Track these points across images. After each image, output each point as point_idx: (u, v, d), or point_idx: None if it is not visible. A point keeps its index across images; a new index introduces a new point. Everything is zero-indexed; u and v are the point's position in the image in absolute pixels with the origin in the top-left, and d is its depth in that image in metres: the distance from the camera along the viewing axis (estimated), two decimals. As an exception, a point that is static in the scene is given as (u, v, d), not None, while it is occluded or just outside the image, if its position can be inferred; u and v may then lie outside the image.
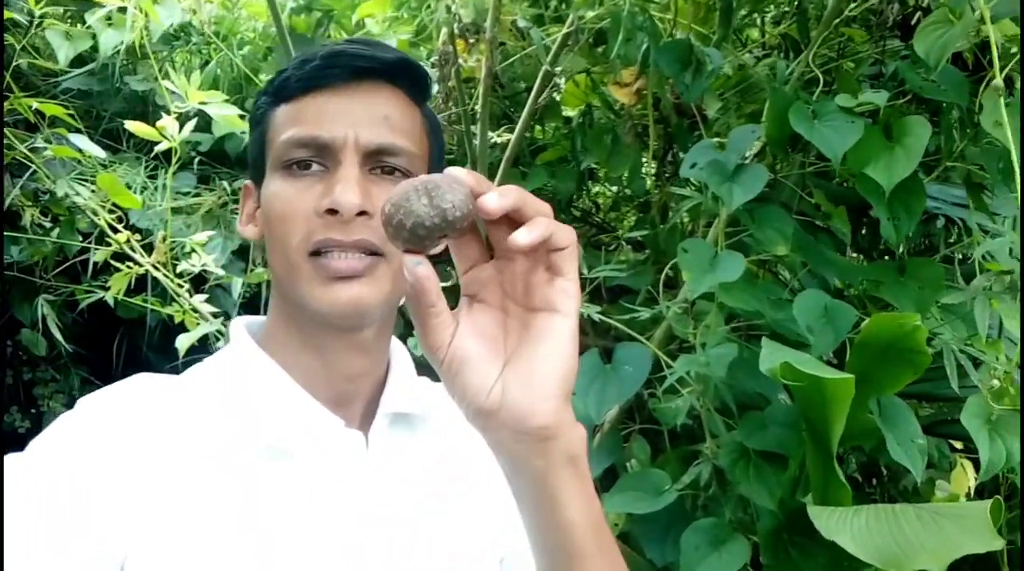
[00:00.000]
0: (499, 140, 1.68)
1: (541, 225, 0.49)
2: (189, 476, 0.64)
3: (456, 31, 1.49)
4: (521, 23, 1.55)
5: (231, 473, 0.65)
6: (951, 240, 1.86)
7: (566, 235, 0.51)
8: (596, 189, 2.52)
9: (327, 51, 0.69)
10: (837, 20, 1.44)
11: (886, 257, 1.83)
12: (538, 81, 1.52)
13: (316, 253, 0.66)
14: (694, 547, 1.25)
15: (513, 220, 0.50)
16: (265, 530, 0.64)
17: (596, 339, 2.05)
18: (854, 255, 1.95)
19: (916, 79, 1.31)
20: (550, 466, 0.52)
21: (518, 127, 1.58)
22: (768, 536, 1.28)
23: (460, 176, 0.49)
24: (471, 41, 1.52)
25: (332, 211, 0.65)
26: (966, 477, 1.63)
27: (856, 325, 1.30)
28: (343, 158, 0.67)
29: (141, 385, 0.68)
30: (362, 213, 0.65)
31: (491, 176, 1.64)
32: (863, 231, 1.98)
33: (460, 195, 0.48)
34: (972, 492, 1.65)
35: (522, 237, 0.49)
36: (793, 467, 1.30)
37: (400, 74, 0.71)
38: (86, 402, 0.66)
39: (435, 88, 1.57)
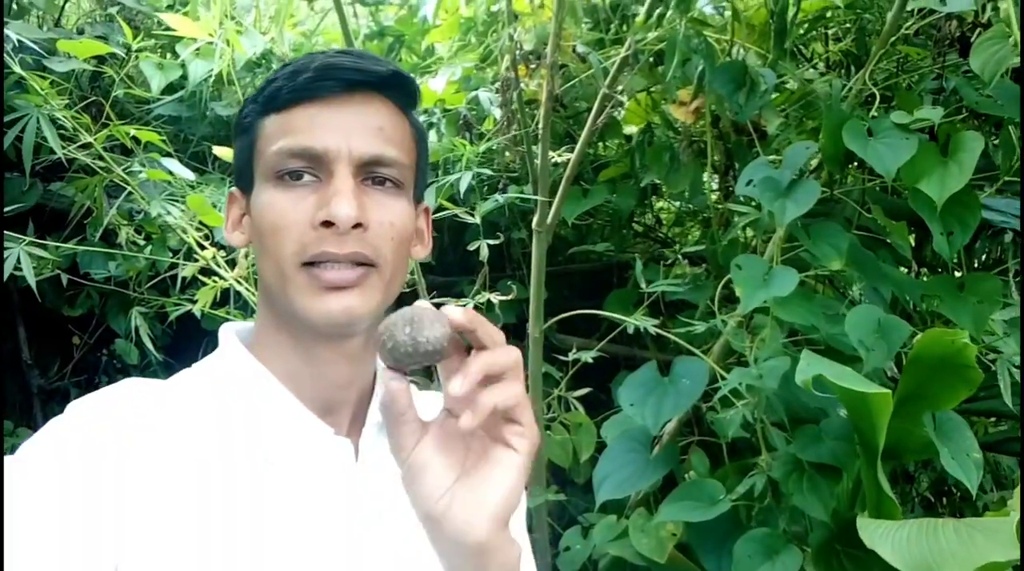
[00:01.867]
0: (560, 159, 1.73)
1: (483, 402, 0.55)
2: (179, 481, 0.63)
3: (518, 58, 1.56)
4: (580, 49, 1.60)
5: (220, 479, 0.65)
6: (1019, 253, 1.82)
7: (511, 394, 0.57)
8: (660, 204, 2.54)
9: (320, 63, 0.68)
10: (895, 38, 1.45)
11: (954, 272, 1.82)
12: (596, 104, 1.57)
13: (308, 264, 0.66)
14: (748, 555, 1.27)
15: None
16: (255, 538, 0.64)
17: (655, 352, 2.08)
18: (920, 269, 1.93)
19: (972, 95, 1.31)
20: None
21: (578, 147, 1.63)
22: (821, 547, 1.30)
23: (447, 313, 0.56)
24: (532, 67, 1.58)
25: (328, 223, 0.65)
26: (1026, 493, 1.59)
27: (912, 339, 1.31)
28: (336, 169, 0.66)
29: (130, 390, 0.68)
30: (357, 225, 0.65)
31: (552, 193, 1.69)
32: (932, 244, 1.96)
33: (437, 332, 0.55)
34: (1032, 508, 1.61)
35: (454, 388, 0.55)
36: (847, 480, 1.31)
37: (390, 85, 0.71)
38: (75, 407, 0.65)
39: (498, 112, 1.64)
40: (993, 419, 2.08)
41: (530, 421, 0.58)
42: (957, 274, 1.78)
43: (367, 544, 0.69)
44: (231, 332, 0.74)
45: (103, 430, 0.63)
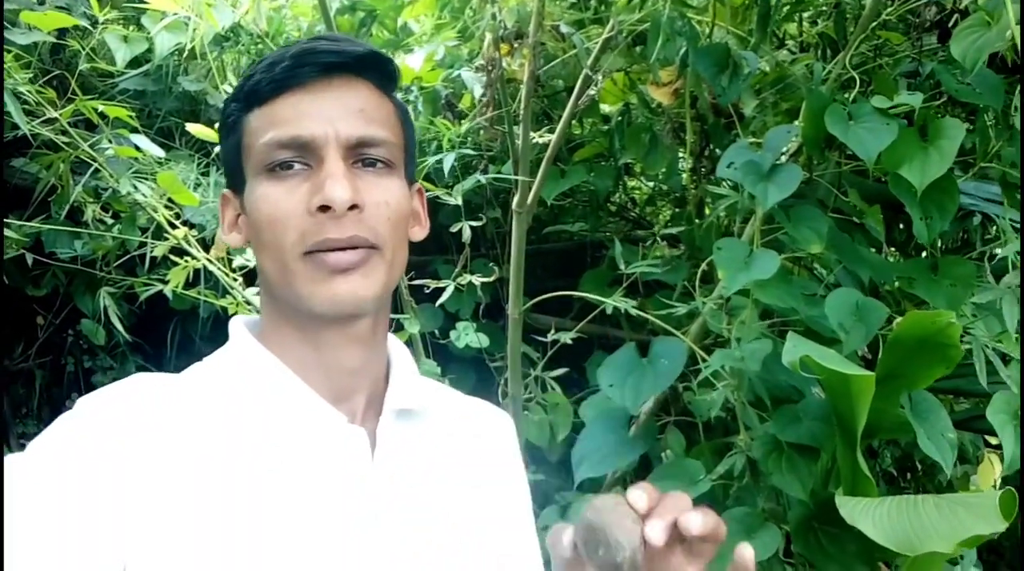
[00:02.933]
0: (540, 140, 1.73)
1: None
2: (191, 475, 0.63)
3: (501, 36, 1.54)
4: (564, 28, 1.59)
5: (233, 471, 0.64)
6: (987, 237, 1.87)
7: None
8: (632, 184, 2.55)
9: (295, 50, 0.68)
10: (874, 23, 1.46)
11: (922, 253, 1.86)
12: (578, 84, 1.57)
13: (310, 252, 0.65)
14: (728, 534, 1.30)
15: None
16: (270, 529, 0.63)
17: (630, 332, 2.09)
18: (891, 251, 1.97)
19: (952, 82, 1.33)
20: None
21: (559, 127, 1.62)
22: (799, 525, 1.32)
23: (634, 514, 0.56)
24: (515, 45, 1.57)
25: (324, 208, 0.65)
26: (992, 470, 1.65)
27: (888, 321, 1.33)
28: (326, 154, 0.66)
29: (141, 384, 0.67)
30: (353, 207, 0.65)
31: (532, 173, 1.69)
32: (900, 227, 2.00)
33: (627, 546, 0.54)
34: (998, 485, 1.66)
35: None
36: (825, 459, 1.34)
37: (370, 67, 0.70)
38: (85, 402, 0.65)
39: (479, 91, 1.63)
40: (951, 396, 2.15)
41: None
42: (923, 255, 1.82)
43: (384, 533, 0.68)
44: (241, 324, 0.74)
45: (110, 426, 0.63)
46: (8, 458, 0.60)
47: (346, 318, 0.69)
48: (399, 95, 0.77)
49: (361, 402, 0.72)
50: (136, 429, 0.63)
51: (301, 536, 0.64)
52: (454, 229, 1.49)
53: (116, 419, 0.63)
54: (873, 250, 1.80)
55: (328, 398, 0.70)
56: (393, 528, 0.69)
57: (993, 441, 1.86)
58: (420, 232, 0.78)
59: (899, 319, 1.25)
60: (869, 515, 1.07)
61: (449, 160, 1.47)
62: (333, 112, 0.67)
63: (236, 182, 0.72)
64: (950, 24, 1.50)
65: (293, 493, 0.66)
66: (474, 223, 1.48)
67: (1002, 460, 1.21)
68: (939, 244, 1.79)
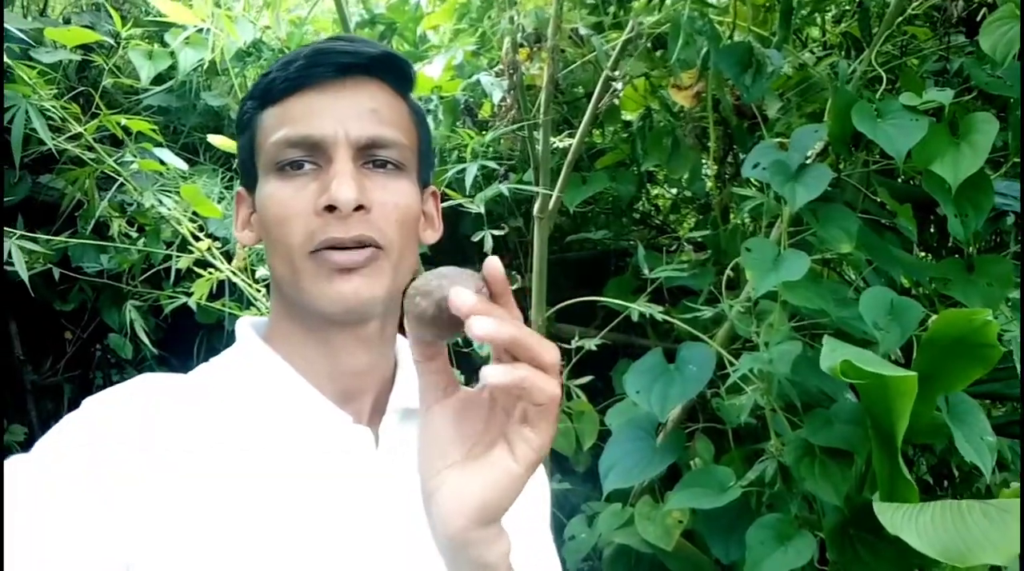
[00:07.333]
0: (560, 145, 1.71)
1: (520, 371, 0.50)
2: (196, 474, 0.63)
3: (519, 40, 1.54)
4: (582, 31, 1.58)
5: (239, 471, 0.64)
6: (1022, 237, 1.82)
7: (546, 391, 0.51)
8: (655, 191, 2.53)
9: (311, 50, 0.68)
10: (900, 18, 1.43)
11: (955, 255, 1.81)
12: (598, 87, 1.55)
13: (316, 251, 0.66)
14: (760, 542, 1.27)
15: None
16: (275, 528, 0.63)
17: (655, 340, 2.07)
18: (921, 253, 1.93)
19: (982, 76, 1.30)
20: (463, 569, 0.55)
21: (579, 132, 1.61)
22: (834, 532, 1.29)
23: (486, 270, 0.51)
24: (534, 49, 1.56)
25: (330, 208, 0.65)
26: (1037, 475, 1.60)
27: (922, 322, 1.30)
28: (335, 154, 0.66)
29: (147, 385, 0.67)
30: (359, 207, 0.65)
31: (553, 180, 1.67)
32: (931, 229, 1.95)
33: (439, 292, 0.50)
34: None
35: (493, 375, 0.49)
36: (859, 463, 1.30)
37: (384, 68, 0.70)
38: (91, 402, 0.64)
39: (499, 95, 1.62)
40: (988, 401, 2.09)
41: (545, 433, 0.53)
42: (954, 256, 1.77)
43: (387, 532, 0.67)
44: (248, 325, 0.74)
45: (115, 426, 0.63)
46: (13, 458, 0.60)
47: (354, 320, 0.69)
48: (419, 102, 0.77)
49: (368, 403, 0.72)
50: (141, 428, 0.63)
51: (307, 534, 0.64)
52: (476, 238, 1.48)
53: (121, 419, 0.63)
54: (904, 251, 1.76)
55: (334, 399, 0.70)
56: (398, 526, 0.68)
57: (1033, 446, 1.80)
58: (432, 235, 0.78)
59: (933, 317, 1.22)
60: (912, 523, 1.02)
61: (472, 171, 1.46)
62: (345, 112, 0.67)
63: (249, 180, 0.73)
64: (977, 19, 1.47)
65: (299, 492, 0.65)
66: (496, 232, 1.47)
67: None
68: (972, 245, 1.75)
